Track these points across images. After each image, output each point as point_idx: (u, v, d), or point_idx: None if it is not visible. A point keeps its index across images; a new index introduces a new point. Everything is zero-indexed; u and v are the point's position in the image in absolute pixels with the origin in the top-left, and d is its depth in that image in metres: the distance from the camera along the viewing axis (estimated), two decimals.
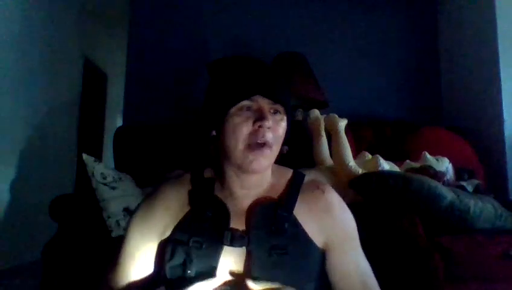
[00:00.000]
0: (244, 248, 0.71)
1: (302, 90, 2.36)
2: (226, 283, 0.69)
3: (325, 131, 2.09)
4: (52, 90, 3.32)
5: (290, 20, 2.94)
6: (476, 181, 1.90)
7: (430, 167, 1.84)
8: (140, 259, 0.77)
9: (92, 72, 4.27)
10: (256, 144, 0.71)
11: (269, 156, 0.73)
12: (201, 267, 0.71)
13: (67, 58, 3.60)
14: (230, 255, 0.72)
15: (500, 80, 2.31)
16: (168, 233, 0.75)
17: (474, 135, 2.42)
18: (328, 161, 2.04)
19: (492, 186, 2.12)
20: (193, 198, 0.77)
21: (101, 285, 0.79)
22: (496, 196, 1.78)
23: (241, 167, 0.73)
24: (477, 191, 1.82)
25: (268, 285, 0.66)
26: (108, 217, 1.69)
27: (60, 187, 3.12)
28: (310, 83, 2.42)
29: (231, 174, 0.76)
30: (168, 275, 0.72)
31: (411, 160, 1.96)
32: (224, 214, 0.74)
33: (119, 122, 4.73)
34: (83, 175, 1.84)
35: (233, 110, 0.72)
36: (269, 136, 0.72)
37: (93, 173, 1.75)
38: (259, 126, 0.71)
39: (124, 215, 1.71)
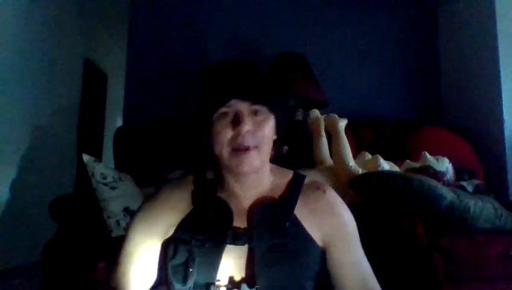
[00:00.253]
0: (246, 246, 0.73)
1: (302, 90, 2.36)
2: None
3: (325, 131, 2.09)
4: (52, 90, 3.31)
5: (290, 20, 2.94)
6: (476, 181, 1.90)
7: (430, 167, 1.84)
8: (142, 259, 0.77)
9: (92, 72, 4.27)
10: (238, 150, 0.72)
11: (256, 156, 0.73)
12: (204, 266, 0.72)
13: (67, 58, 3.59)
14: (232, 253, 0.73)
15: (500, 80, 2.31)
16: (171, 233, 0.76)
17: (474, 135, 2.42)
18: (328, 161, 2.04)
19: (493, 186, 2.12)
20: (196, 198, 0.78)
21: (103, 285, 0.80)
22: (496, 196, 1.78)
23: (231, 170, 0.75)
24: (477, 191, 1.82)
25: None
26: (108, 217, 1.70)
27: (60, 187, 3.12)
28: (310, 83, 2.42)
29: (229, 176, 0.78)
30: (170, 274, 0.73)
31: (411, 160, 1.96)
32: (226, 213, 0.75)
33: (119, 122, 4.73)
34: (83, 175, 1.84)
35: (214, 117, 0.74)
36: (249, 140, 0.72)
37: (93, 173, 1.75)
38: (238, 131, 0.71)
39: (124, 215, 1.71)
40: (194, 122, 0.82)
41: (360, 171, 1.79)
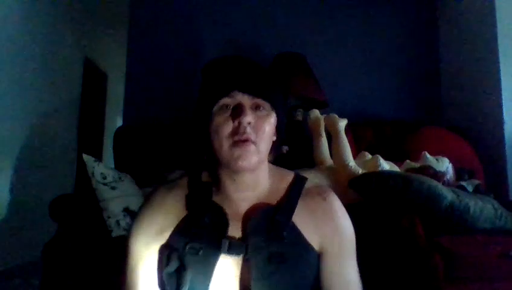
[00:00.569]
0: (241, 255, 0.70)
1: (302, 90, 2.36)
2: None
3: (325, 131, 2.09)
4: (53, 90, 3.31)
5: (290, 20, 2.94)
6: (476, 181, 1.90)
7: (430, 167, 1.84)
8: (147, 270, 0.75)
9: (92, 72, 4.27)
10: (239, 141, 0.69)
11: (254, 152, 0.70)
12: (197, 275, 0.70)
13: (67, 58, 3.59)
14: (227, 262, 0.71)
15: (500, 80, 2.31)
16: (166, 237, 0.74)
17: (474, 135, 2.42)
18: (328, 160, 2.04)
19: (492, 187, 2.12)
20: (190, 203, 0.75)
21: None
22: (496, 196, 1.78)
23: (229, 165, 0.71)
24: (477, 191, 1.82)
25: None
26: (108, 217, 1.69)
27: (60, 187, 3.12)
28: (310, 83, 2.42)
29: (225, 177, 0.75)
30: (165, 282, 0.71)
31: (411, 160, 1.96)
32: (222, 220, 0.72)
33: (119, 122, 4.73)
34: (83, 175, 1.84)
35: (215, 110, 0.71)
36: (250, 132, 0.69)
37: (93, 173, 1.75)
38: (239, 123, 0.69)
39: (124, 215, 1.71)
40: (192, 117, 0.79)
41: (360, 171, 1.79)
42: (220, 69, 0.74)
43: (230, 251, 0.70)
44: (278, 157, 0.80)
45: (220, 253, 0.70)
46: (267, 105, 0.73)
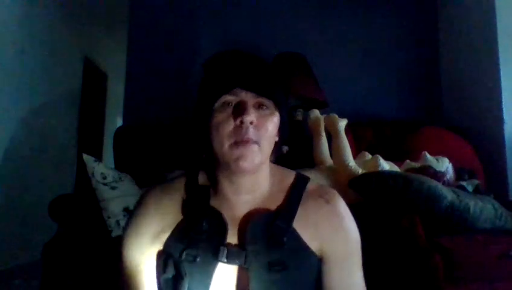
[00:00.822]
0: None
1: (302, 90, 2.36)
2: None
3: (325, 131, 2.09)
4: (52, 90, 3.31)
5: (290, 20, 2.94)
6: (476, 181, 1.90)
7: (430, 167, 1.84)
8: (145, 275, 0.73)
9: (92, 72, 4.27)
10: (240, 142, 0.66)
11: (257, 152, 0.67)
12: (194, 283, 0.68)
13: (67, 58, 3.59)
14: (225, 269, 0.68)
15: (500, 80, 2.31)
16: (162, 242, 0.71)
17: (474, 135, 2.42)
18: (328, 160, 2.04)
19: (492, 187, 2.12)
20: (188, 207, 0.72)
21: None
22: (496, 196, 1.78)
23: (230, 166, 0.67)
24: (477, 191, 1.82)
25: None
26: (108, 217, 1.69)
27: (60, 187, 3.12)
28: (310, 83, 2.42)
29: (223, 179, 0.72)
30: (162, 288, 0.69)
31: (411, 160, 1.96)
32: (220, 226, 0.69)
33: (119, 122, 4.73)
34: (83, 175, 1.84)
35: (216, 106, 0.68)
36: (252, 132, 0.66)
37: (93, 173, 1.75)
38: (241, 122, 0.65)
39: (124, 215, 1.71)
40: (192, 113, 0.75)
41: (360, 171, 1.79)
42: (222, 65, 0.71)
43: (229, 259, 0.67)
44: (278, 158, 0.78)
45: (218, 261, 0.67)
46: (270, 104, 0.69)
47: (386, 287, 1.48)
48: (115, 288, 0.75)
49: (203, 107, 0.70)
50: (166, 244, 0.71)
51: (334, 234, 0.72)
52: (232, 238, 0.70)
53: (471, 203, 1.58)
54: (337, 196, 0.75)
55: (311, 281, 0.72)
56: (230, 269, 0.68)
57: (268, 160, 0.73)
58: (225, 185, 0.72)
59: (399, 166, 1.94)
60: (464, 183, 1.86)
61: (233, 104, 0.68)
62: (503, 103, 2.29)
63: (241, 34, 2.89)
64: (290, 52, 2.50)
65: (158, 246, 0.72)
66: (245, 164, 0.66)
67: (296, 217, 0.71)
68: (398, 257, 1.57)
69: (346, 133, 1.97)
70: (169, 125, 2.43)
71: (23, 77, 2.89)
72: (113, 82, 4.79)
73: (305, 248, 0.70)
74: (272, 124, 0.69)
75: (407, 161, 1.96)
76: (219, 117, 0.67)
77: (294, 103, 2.45)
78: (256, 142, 0.67)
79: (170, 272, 0.68)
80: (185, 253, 0.68)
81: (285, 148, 2.17)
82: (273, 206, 0.72)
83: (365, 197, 1.72)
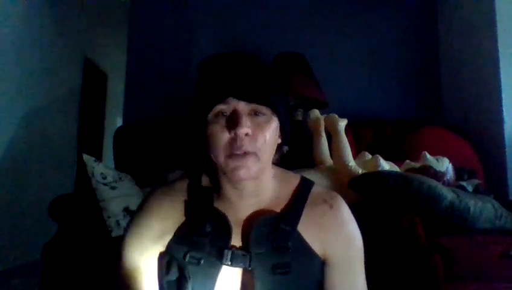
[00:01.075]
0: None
1: (302, 90, 2.36)
2: None
3: (325, 131, 2.09)
4: (52, 90, 3.31)
5: (290, 20, 2.94)
6: (476, 181, 1.90)
7: (430, 167, 1.84)
8: (143, 278, 0.72)
9: (92, 72, 4.27)
10: (236, 154, 0.64)
11: (254, 162, 0.65)
12: (198, 286, 0.67)
13: (67, 58, 3.60)
14: (229, 272, 0.68)
15: (500, 80, 2.31)
16: (164, 244, 0.71)
17: (474, 135, 2.42)
18: (328, 160, 2.04)
19: (492, 187, 2.12)
20: (191, 209, 0.71)
21: None
22: (496, 196, 1.78)
23: (228, 175, 0.67)
24: (477, 191, 1.82)
25: None
26: (108, 217, 1.69)
27: (60, 187, 3.13)
28: (310, 83, 2.42)
29: (226, 183, 0.71)
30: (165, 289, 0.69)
31: (411, 160, 1.96)
32: (224, 229, 0.68)
33: (119, 122, 4.73)
34: (83, 175, 1.84)
35: (210, 117, 0.66)
36: (247, 144, 0.64)
37: (93, 173, 1.75)
38: (235, 134, 0.63)
39: (124, 215, 1.71)
40: (189, 121, 0.74)
41: (360, 171, 1.79)
42: (215, 72, 0.68)
43: (233, 262, 0.67)
44: (279, 159, 0.77)
45: (222, 264, 0.67)
46: (266, 110, 0.67)
47: (386, 287, 1.48)
48: (114, 288, 0.75)
49: (198, 116, 0.68)
50: (169, 246, 0.70)
51: (338, 239, 0.72)
52: (235, 240, 0.69)
53: (471, 203, 1.58)
54: (340, 200, 0.75)
55: (314, 284, 0.72)
56: (235, 272, 0.68)
57: (270, 165, 0.72)
58: (228, 189, 0.71)
59: (399, 166, 1.94)
60: (463, 183, 1.86)
61: (227, 114, 0.65)
62: (503, 103, 2.29)
63: (241, 34, 2.89)
64: (290, 52, 2.50)
65: (159, 248, 0.71)
66: (242, 174, 0.65)
67: (300, 220, 0.70)
68: (398, 257, 1.57)
69: (346, 133, 1.97)
70: (169, 125, 2.43)
71: (23, 77, 2.89)
72: (113, 82, 4.79)
73: (309, 251, 0.70)
74: (270, 131, 0.67)
75: (407, 161, 1.96)
76: (213, 128, 0.66)
77: (294, 103, 2.45)
78: (253, 154, 0.65)
79: (174, 274, 0.68)
80: (188, 255, 0.67)
81: (285, 148, 2.16)
82: (277, 209, 0.72)
83: (365, 197, 1.72)
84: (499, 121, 2.31)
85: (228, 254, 0.67)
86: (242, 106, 0.65)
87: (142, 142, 2.40)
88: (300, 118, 2.46)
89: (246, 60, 0.69)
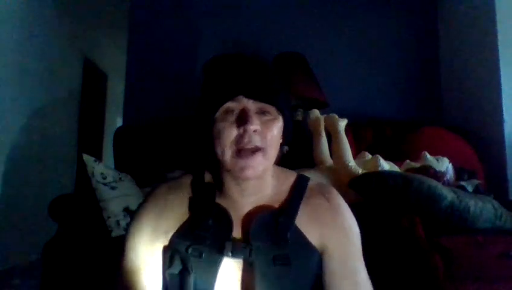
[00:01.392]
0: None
1: (302, 90, 2.36)
2: None
3: (325, 131, 2.09)
4: (52, 90, 3.32)
5: (290, 20, 2.94)
6: (476, 181, 1.90)
7: (430, 167, 1.84)
8: (147, 272, 0.73)
9: (92, 72, 4.28)
10: (244, 150, 0.66)
11: (262, 160, 0.68)
12: (201, 278, 0.69)
13: (67, 58, 3.60)
14: (230, 265, 0.70)
15: (500, 80, 2.30)
16: (168, 238, 0.72)
17: (474, 135, 2.42)
18: (328, 160, 2.04)
19: (492, 187, 2.11)
20: (194, 204, 0.73)
21: None
22: (496, 196, 1.78)
23: (233, 174, 0.69)
24: (477, 191, 1.82)
25: None
26: (108, 217, 1.69)
27: (60, 187, 3.13)
28: (310, 83, 2.42)
29: (229, 181, 0.73)
30: (168, 283, 0.70)
31: (411, 160, 1.96)
32: (226, 223, 0.71)
33: (119, 122, 4.73)
34: (83, 175, 1.84)
35: (218, 114, 0.68)
36: (257, 140, 0.67)
37: (93, 173, 1.75)
38: (244, 130, 0.66)
39: (124, 215, 1.71)
40: (194, 120, 0.76)
41: (360, 171, 1.79)
42: (225, 71, 0.70)
43: (234, 254, 0.69)
44: (278, 158, 0.78)
45: (223, 256, 0.69)
46: (273, 109, 0.70)
47: (386, 287, 1.48)
48: (115, 287, 0.75)
49: (204, 113, 0.70)
50: (172, 241, 0.72)
51: (334, 230, 0.74)
52: (236, 234, 0.71)
53: (471, 203, 1.58)
54: (336, 193, 0.78)
55: (313, 275, 0.73)
56: (235, 264, 0.70)
57: (272, 163, 0.74)
58: (231, 187, 0.73)
59: (399, 166, 1.94)
60: (463, 183, 1.85)
61: (236, 112, 0.68)
62: (503, 103, 2.29)
63: (241, 34, 2.89)
64: (290, 52, 2.50)
65: (163, 243, 0.73)
66: (250, 174, 0.68)
67: (298, 213, 0.73)
68: (398, 257, 1.57)
69: (346, 133, 1.97)
70: (170, 125, 2.43)
71: (23, 77, 2.89)
72: (113, 82, 4.79)
73: (307, 243, 0.72)
74: (276, 129, 0.70)
75: (407, 161, 1.96)
76: (221, 125, 0.68)
77: (294, 103, 2.45)
78: (261, 149, 0.67)
79: (177, 267, 0.69)
80: (190, 249, 0.69)
81: (285, 148, 2.17)
82: (276, 204, 0.75)
83: (365, 197, 1.72)
84: (499, 121, 2.31)
85: (229, 245, 0.69)
86: (251, 104, 0.68)
87: (142, 142, 2.40)
88: (300, 118, 2.46)
89: (254, 60, 0.72)
